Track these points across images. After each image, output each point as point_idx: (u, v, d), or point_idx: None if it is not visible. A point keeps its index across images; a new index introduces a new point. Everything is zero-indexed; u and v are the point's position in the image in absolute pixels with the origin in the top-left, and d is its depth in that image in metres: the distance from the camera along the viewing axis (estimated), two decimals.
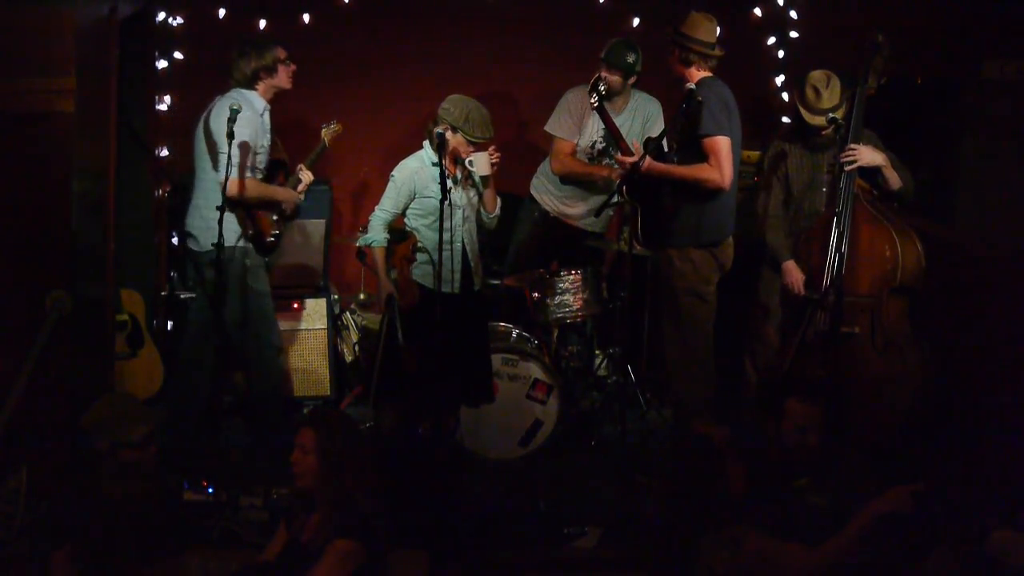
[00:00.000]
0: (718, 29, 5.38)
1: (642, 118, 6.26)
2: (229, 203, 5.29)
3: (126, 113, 5.70)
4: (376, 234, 5.41)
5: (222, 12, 6.70)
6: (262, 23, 6.73)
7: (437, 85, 6.40)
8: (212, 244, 5.26)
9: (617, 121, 6.09)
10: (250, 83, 5.47)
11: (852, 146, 5.17)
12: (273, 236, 5.50)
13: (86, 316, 5.00)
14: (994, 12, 6.17)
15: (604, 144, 6.25)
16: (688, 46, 5.29)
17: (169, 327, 6.61)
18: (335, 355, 6.45)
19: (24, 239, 4.94)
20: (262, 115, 5.47)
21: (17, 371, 4.59)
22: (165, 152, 6.73)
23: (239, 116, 5.24)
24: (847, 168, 5.16)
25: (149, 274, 6.52)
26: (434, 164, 5.18)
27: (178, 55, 6.73)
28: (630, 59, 6.08)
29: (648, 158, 5.26)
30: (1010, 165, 5.99)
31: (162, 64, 6.70)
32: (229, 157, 5.20)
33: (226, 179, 5.20)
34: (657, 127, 6.21)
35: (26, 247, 4.94)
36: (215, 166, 5.37)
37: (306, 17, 6.72)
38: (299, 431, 3.95)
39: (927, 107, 6.26)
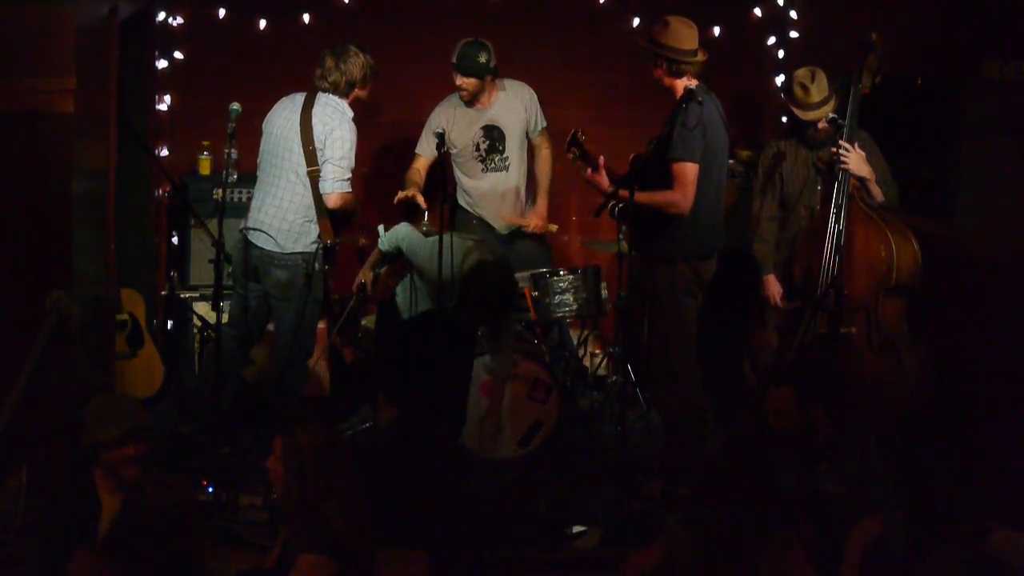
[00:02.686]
0: (697, 32, 5.25)
1: (519, 105, 6.30)
2: (326, 211, 5.41)
3: (126, 113, 5.69)
4: (387, 242, 5.53)
5: (222, 12, 6.70)
6: (262, 23, 6.74)
7: (437, 86, 6.41)
8: (291, 246, 5.39)
9: (490, 114, 6.20)
10: (344, 91, 5.49)
11: (845, 145, 5.17)
12: (337, 243, 5.54)
13: (86, 316, 5.00)
14: (994, 12, 6.17)
15: (488, 141, 6.27)
16: (671, 57, 5.16)
17: (169, 327, 6.62)
18: (335, 355, 6.44)
19: (24, 239, 4.93)
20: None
21: (17, 371, 4.59)
22: (165, 152, 6.74)
23: (344, 124, 5.39)
24: (840, 166, 5.17)
25: (149, 274, 6.51)
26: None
27: (178, 55, 6.73)
28: (482, 59, 6.07)
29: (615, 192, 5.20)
30: (1010, 165, 5.98)
31: (162, 64, 6.70)
32: (326, 163, 5.38)
33: (306, 184, 5.39)
34: (534, 111, 6.30)
35: (26, 247, 4.93)
36: (310, 168, 5.40)
37: (306, 17, 6.72)
38: (275, 438, 3.93)
39: (927, 107, 6.26)
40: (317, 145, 5.40)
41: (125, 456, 3.96)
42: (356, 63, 5.49)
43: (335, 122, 5.42)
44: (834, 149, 5.21)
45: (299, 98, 5.53)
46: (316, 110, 5.44)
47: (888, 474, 4.14)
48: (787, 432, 4.19)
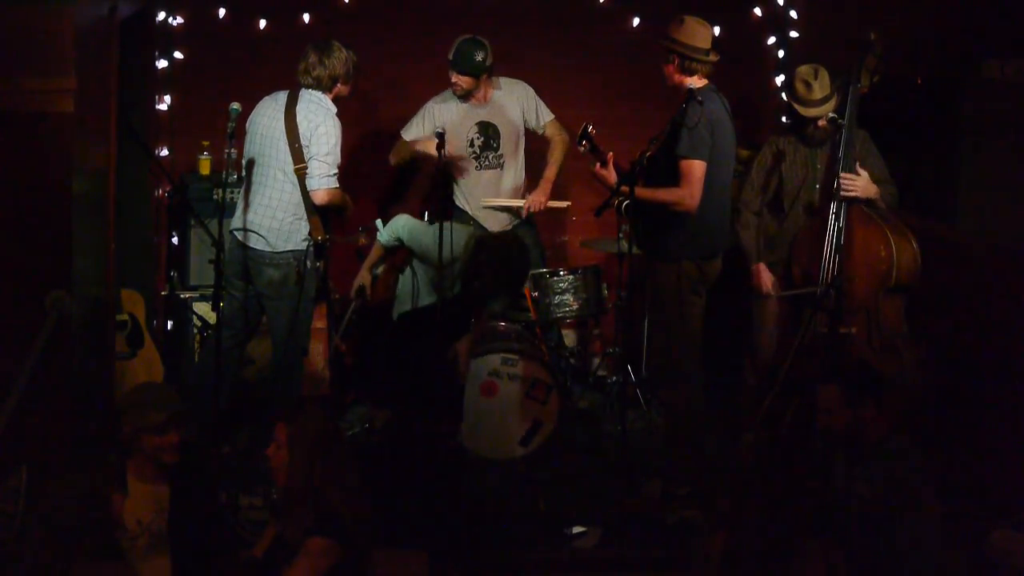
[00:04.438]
0: (713, 33, 5.29)
1: (515, 103, 6.34)
2: (316, 208, 5.39)
3: (126, 113, 5.69)
4: (387, 234, 5.52)
5: (222, 12, 6.71)
6: (262, 23, 6.74)
7: (437, 85, 6.42)
8: (282, 245, 5.38)
9: (485, 110, 6.25)
10: (328, 87, 5.48)
11: (851, 176, 5.19)
12: (328, 239, 5.53)
13: (86, 316, 5.00)
14: (994, 12, 6.17)
15: (483, 138, 6.31)
16: (684, 54, 5.18)
17: (169, 327, 6.61)
18: (335, 355, 6.44)
19: (24, 239, 4.93)
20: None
21: (17, 371, 4.59)
22: (165, 152, 6.74)
23: (328, 120, 5.38)
24: (845, 194, 5.19)
25: (149, 274, 6.52)
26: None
27: (178, 55, 6.73)
28: (479, 58, 6.11)
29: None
30: (1010, 165, 5.97)
31: (162, 64, 6.71)
32: (312, 160, 5.36)
33: (293, 180, 5.40)
34: (532, 108, 6.34)
35: (26, 247, 4.94)
36: (297, 166, 5.39)
37: (306, 17, 6.73)
38: (276, 425, 3.95)
39: (927, 107, 6.26)
40: (303, 142, 5.39)
41: (168, 441, 3.99)
42: (339, 59, 5.48)
43: (320, 118, 5.40)
44: (838, 182, 5.22)
45: (281, 96, 5.52)
46: (300, 107, 5.43)
47: (923, 480, 4.09)
48: (836, 432, 4.17)
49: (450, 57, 6.12)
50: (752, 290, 5.79)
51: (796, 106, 5.52)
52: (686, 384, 5.25)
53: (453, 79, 6.16)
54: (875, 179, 5.47)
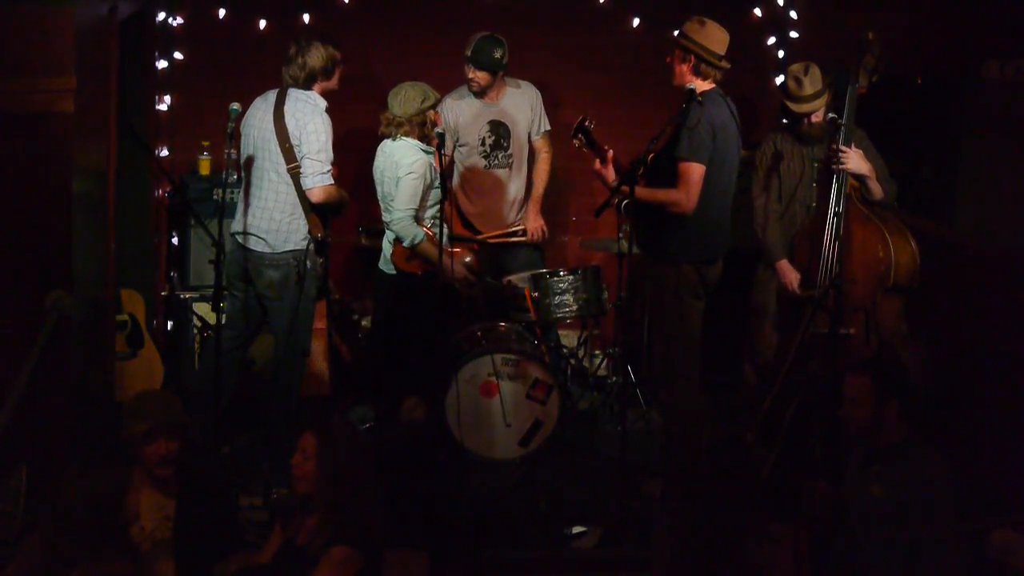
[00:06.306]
0: (728, 40, 5.23)
1: (526, 105, 6.39)
2: (313, 207, 5.38)
3: (126, 113, 5.69)
4: (415, 231, 5.47)
5: (222, 12, 6.70)
6: (262, 23, 6.74)
7: (437, 85, 6.41)
8: (282, 246, 5.37)
9: (497, 109, 6.30)
10: (307, 84, 5.45)
11: (843, 148, 5.17)
12: (328, 236, 5.52)
13: (86, 316, 5.00)
14: (994, 12, 6.17)
15: (494, 137, 6.34)
16: (702, 56, 5.15)
17: (169, 327, 6.61)
18: (335, 355, 6.45)
19: (24, 239, 4.94)
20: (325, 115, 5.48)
21: (17, 371, 4.60)
22: (165, 152, 6.74)
23: (316, 117, 5.35)
24: (837, 167, 5.15)
25: (149, 274, 6.52)
26: (428, 151, 5.46)
27: (178, 55, 6.73)
28: (497, 55, 6.16)
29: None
30: (1010, 165, 5.98)
31: (162, 64, 6.71)
32: (304, 158, 5.34)
33: (281, 179, 5.38)
34: (539, 112, 6.41)
35: (26, 247, 4.94)
36: (290, 166, 5.38)
37: (306, 17, 6.72)
38: (303, 435, 3.95)
39: (927, 107, 6.26)
40: (293, 142, 5.37)
41: (156, 452, 3.97)
42: (317, 54, 5.44)
43: (307, 116, 5.38)
44: (832, 150, 5.19)
45: (271, 96, 5.50)
46: (288, 107, 5.41)
47: (940, 491, 4.11)
48: (856, 424, 4.18)
49: (468, 53, 6.16)
50: (752, 290, 5.79)
51: (788, 103, 5.54)
52: (685, 385, 5.24)
53: (470, 75, 6.19)
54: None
